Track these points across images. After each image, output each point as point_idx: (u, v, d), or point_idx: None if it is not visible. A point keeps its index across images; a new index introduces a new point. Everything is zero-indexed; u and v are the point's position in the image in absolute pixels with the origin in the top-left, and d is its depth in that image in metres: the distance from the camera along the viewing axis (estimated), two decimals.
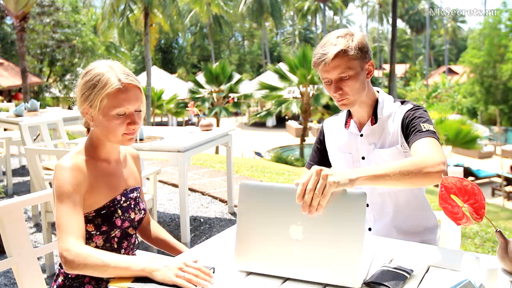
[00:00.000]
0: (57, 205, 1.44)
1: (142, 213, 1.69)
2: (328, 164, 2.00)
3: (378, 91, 1.91)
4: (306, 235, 1.27)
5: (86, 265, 1.33)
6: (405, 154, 1.78)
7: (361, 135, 1.87)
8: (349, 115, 1.95)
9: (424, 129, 1.69)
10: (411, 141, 1.71)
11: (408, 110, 1.80)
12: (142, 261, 1.31)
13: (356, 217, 1.23)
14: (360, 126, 1.90)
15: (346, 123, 1.94)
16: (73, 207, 1.44)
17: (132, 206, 1.64)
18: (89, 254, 1.35)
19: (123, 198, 1.61)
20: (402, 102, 1.87)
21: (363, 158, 1.87)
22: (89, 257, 1.34)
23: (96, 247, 1.56)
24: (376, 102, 1.86)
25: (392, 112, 1.84)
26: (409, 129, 1.75)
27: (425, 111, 1.80)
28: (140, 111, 1.56)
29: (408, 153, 1.76)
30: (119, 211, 1.58)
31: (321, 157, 2.03)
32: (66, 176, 1.46)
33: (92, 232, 1.54)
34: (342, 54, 1.71)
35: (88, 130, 1.63)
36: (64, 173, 1.47)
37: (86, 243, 1.52)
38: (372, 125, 1.85)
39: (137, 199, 1.68)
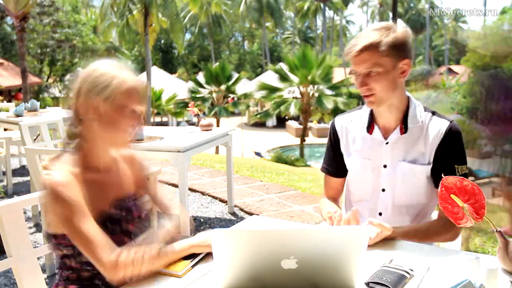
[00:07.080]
0: (72, 223, 1.32)
1: (140, 221, 1.55)
2: (345, 166, 1.88)
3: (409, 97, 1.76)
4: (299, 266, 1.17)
5: (141, 267, 1.30)
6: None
7: (387, 143, 1.74)
8: (372, 118, 1.77)
9: (458, 174, 1.62)
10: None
11: (448, 134, 1.68)
12: (186, 241, 1.42)
13: (357, 251, 1.18)
14: (386, 133, 1.74)
15: (369, 128, 1.77)
16: (90, 219, 1.34)
17: (125, 215, 1.50)
18: (138, 255, 1.31)
19: (113, 210, 1.47)
20: (433, 113, 1.74)
21: (385, 166, 1.75)
22: (139, 258, 1.30)
23: (85, 263, 1.43)
24: (407, 108, 1.72)
25: (424, 124, 1.71)
26: (444, 164, 1.67)
27: (461, 135, 1.69)
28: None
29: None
30: (109, 225, 1.43)
31: (337, 158, 1.88)
32: (66, 191, 1.33)
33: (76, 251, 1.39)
34: (371, 48, 1.59)
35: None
36: (63, 189, 1.33)
37: (78, 261, 1.44)
38: (401, 134, 1.71)
39: (131, 208, 1.53)
